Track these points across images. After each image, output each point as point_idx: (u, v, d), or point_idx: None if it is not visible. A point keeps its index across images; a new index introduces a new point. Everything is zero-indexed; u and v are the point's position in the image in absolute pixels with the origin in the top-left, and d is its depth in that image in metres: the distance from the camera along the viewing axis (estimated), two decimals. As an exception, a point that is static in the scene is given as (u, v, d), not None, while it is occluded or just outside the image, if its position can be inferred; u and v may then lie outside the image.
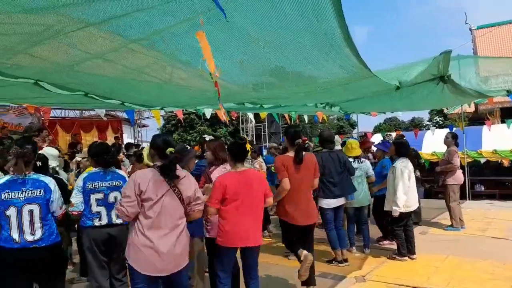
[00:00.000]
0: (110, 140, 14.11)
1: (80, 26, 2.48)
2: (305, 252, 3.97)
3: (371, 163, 6.50)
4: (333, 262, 5.31)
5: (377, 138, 11.30)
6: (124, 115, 17.06)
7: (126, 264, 2.82)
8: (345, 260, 5.28)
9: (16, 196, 3.03)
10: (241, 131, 18.83)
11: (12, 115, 12.81)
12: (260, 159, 7.48)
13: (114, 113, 16.13)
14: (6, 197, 3.00)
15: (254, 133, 18.40)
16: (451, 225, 7.08)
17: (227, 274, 3.43)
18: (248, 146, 3.51)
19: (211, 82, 2.56)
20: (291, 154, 4.17)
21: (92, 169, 3.75)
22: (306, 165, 4.17)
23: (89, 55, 2.98)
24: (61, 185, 3.64)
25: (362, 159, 6.00)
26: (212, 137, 6.18)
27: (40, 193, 3.11)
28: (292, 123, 7.80)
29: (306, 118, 8.41)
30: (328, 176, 5.23)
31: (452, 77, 4.49)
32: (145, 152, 5.22)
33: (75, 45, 2.80)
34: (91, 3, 2.23)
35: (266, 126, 18.94)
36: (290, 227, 4.14)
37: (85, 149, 6.46)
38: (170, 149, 2.88)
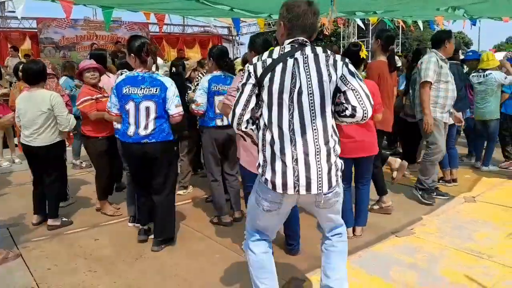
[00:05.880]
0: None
1: None
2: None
3: None
4: (440, 181, 5.00)
5: (499, 57, 9.87)
6: (224, 32, 17.37)
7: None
8: (454, 181, 4.96)
9: (135, 92, 3.12)
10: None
11: (124, 30, 13.79)
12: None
13: (215, 30, 16.45)
14: (127, 92, 3.13)
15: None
16: None
17: (347, 183, 3.31)
18: (363, 53, 3.27)
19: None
20: (383, 59, 3.91)
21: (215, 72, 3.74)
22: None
23: None
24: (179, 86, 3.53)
25: (488, 72, 5.29)
26: None
27: (156, 91, 3.14)
28: (406, 30, 7.02)
29: (421, 25, 7.25)
30: None
31: None
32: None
33: None
34: None
35: (370, 42, 17.13)
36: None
37: (193, 60, 6.65)
38: None
